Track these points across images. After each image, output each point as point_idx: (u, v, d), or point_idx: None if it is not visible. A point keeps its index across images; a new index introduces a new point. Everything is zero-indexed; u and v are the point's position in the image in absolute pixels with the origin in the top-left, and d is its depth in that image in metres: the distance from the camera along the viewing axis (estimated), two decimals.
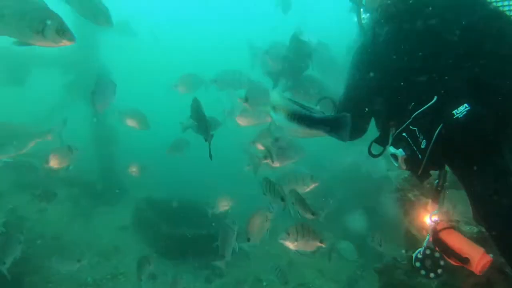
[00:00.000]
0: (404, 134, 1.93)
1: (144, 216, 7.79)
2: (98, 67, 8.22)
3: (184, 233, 7.19)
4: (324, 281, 6.61)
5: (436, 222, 2.00)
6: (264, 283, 6.56)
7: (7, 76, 8.12)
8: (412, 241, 3.46)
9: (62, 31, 2.23)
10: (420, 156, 1.86)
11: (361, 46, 2.30)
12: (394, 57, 2.08)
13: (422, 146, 1.84)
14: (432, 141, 1.80)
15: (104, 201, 8.40)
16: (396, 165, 1.97)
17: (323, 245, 3.54)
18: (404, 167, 1.95)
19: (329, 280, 6.62)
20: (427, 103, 1.87)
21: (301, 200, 3.78)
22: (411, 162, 1.91)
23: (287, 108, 1.74)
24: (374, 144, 2.27)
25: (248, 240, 3.98)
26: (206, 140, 3.32)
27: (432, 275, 1.98)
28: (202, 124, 3.33)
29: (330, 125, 1.79)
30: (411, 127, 1.92)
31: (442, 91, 1.86)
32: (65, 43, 2.27)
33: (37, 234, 6.39)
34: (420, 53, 2.02)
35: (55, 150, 4.86)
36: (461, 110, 1.73)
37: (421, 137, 1.85)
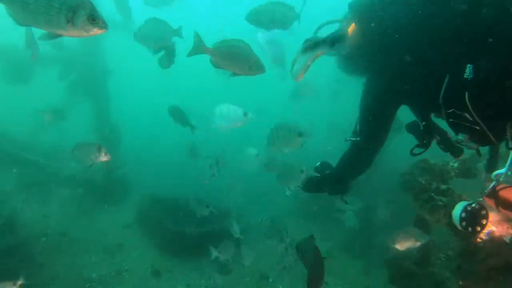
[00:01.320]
0: (450, 120, 2.03)
1: (148, 214, 7.73)
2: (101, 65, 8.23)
3: (189, 230, 7.13)
4: (331, 279, 6.52)
5: (497, 180, 2.01)
6: (270, 280, 6.48)
7: (12, 74, 8.12)
8: (424, 225, 3.38)
9: (93, 19, 1.98)
10: (477, 128, 1.92)
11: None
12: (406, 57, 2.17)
13: (470, 119, 1.92)
14: (472, 110, 1.89)
15: (108, 200, 8.35)
16: (468, 148, 2.06)
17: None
18: (475, 145, 2.04)
19: (336, 278, 6.53)
20: (443, 85, 1.98)
21: None
22: (477, 136, 1.98)
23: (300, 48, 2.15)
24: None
25: None
26: None
27: (470, 229, 1.96)
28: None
29: (330, 41, 2.12)
30: (448, 111, 2.02)
31: (450, 67, 1.97)
32: (96, 31, 2.01)
33: (42, 232, 6.35)
34: (420, 45, 2.11)
35: (84, 144, 4.46)
36: (468, 71, 1.86)
37: (461, 112, 1.94)
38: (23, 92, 8.79)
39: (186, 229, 7.14)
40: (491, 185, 2.00)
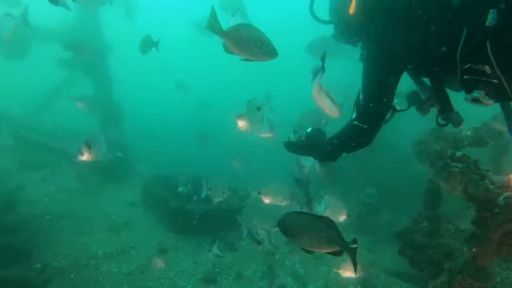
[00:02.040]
0: (465, 77, 1.94)
1: (153, 192, 7.72)
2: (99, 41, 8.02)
3: (194, 208, 7.11)
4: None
5: None
6: (277, 256, 6.47)
7: (7, 49, 7.94)
8: (437, 193, 3.27)
9: None
10: (496, 81, 1.84)
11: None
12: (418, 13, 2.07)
13: (489, 72, 1.83)
14: (493, 60, 1.80)
15: (112, 178, 8.34)
16: (483, 105, 1.95)
17: None
18: (491, 102, 1.93)
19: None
20: (459, 40, 1.89)
21: None
22: (494, 92, 1.89)
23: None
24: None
25: None
26: None
27: None
28: None
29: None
30: (464, 67, 1.92)
31: (467, 18, 1.87)
32: None
33: (46, 210, 6.34)
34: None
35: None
36: (491, 17, 1.76)
37: (480, 65, 1.85)
38: (20, 69, 8.64)
39: (192, 207, 7.12)
40: None
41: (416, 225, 3.94)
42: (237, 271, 5.94)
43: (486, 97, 1.91)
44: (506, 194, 2.41)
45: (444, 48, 1.99)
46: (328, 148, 2.49)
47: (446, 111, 2.29)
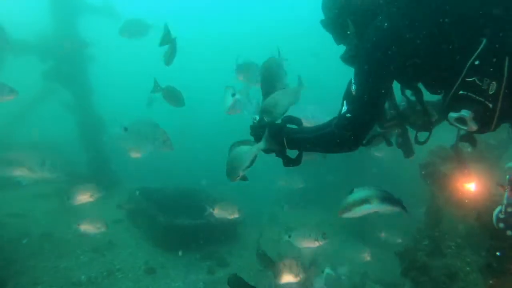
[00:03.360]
0: (461, 92, 1.76)
1: (139, 208, 7.37)
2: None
3: (183, 223, 6.82)
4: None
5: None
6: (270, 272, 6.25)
7: None
8: (439, 212, 3.13)
9: None
10: (491, 105, 1.67)
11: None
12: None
13: (491, 92, 1.67)
14: (505, 77, 1.63)
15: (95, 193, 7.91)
16: (465, 128, 1.78)
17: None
18: (475, 127, 1.74)
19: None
20: (474, 49, 1.71)
21: None
22: (482, 116, 1.71)
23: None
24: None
25: None
26: None
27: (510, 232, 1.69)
28: None
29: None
30: (468, 79, 1.73)
31: (490, 27, 1.71)
32: None
33: (23, 233, 5.90)
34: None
35: None
36: None
37: (487, 81, 1.68)
38: None
39: (181, 222, 6.83)
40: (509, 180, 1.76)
41: (417, 244, 3.81)
42: None
43: (472, 120, 1.76)
44: None
45: (454, 55, 1.80)
46: (300, 143, 2.18)
47: (425, 128, 2.17)
